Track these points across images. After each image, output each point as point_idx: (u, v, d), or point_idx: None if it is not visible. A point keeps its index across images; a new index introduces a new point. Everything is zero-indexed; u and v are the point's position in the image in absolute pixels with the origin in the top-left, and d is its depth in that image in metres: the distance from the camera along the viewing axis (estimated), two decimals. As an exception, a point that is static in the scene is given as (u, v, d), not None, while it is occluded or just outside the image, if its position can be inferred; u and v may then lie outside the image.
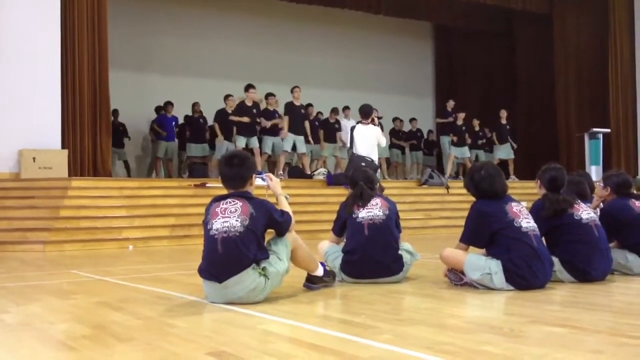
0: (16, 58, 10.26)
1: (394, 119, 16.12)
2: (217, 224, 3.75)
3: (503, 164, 14.60)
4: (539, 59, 17.78)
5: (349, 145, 10.21)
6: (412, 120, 16.71)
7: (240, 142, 11.87)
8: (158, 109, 14.06)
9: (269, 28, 16.70)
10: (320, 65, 17.29)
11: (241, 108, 11.98)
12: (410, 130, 16.63)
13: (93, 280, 5.31)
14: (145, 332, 3.14)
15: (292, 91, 12.62)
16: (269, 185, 4.24)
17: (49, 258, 7.38)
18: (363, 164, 8.75)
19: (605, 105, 16.33)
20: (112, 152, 13.71)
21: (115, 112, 13.71)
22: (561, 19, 17.02)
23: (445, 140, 14.78)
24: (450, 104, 14.95)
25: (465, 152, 14.67)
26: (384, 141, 9.93)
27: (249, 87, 12.08)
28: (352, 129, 9.93)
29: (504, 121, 15.13)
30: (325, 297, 4.15)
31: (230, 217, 3.76)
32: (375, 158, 9.59)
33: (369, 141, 9.53)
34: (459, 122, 14.58)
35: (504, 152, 15.16)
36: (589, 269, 4.42)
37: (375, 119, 10.02)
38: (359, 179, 4.84)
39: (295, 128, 12.48)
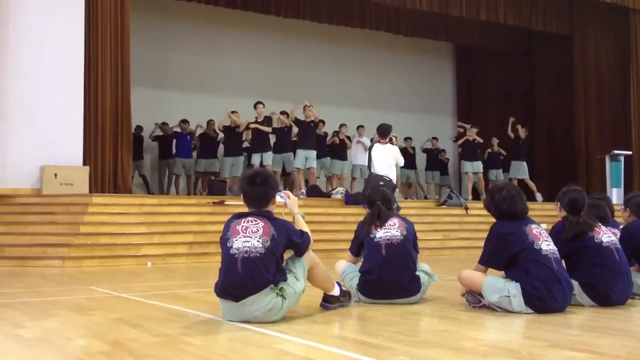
0: (39, 75, 10.41)
1: (405, 138, 16.07)
2: (238, 243, 3.74)
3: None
4: (558, 79, 17.69)
5: (366, 164, 10.20)
6: (433, 139, 16.67)
7: (255, 159, 11.96)
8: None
9: (288, 46, 16.81)
10: (340, 84, 17.34)
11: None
12: (431, 148, 16.60)
13: (111, 297, 5.33)
14: (161, 349, 3.14)
15: (303, 109, 12.76)
16: (286, 204, 4.24)
17: (68, 274, 7.43)
18: (381, 183, 8.73)
19: (627, 127, 16.18)
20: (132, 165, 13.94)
21: (139, 128, 13.96)
22: (581, 40, 16.94)
23: (463, 164, 14.74)
24: (472, 131, 14.87)
25: (478, 167, 14.58)
26: (402, 161, 9.90)
27: (257, 104, 12.33)
28: (370, 148, 9.93)
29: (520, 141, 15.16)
30: (341, 317, 4.13)
31: (252, 237, 3.74)
32: (394, 177, 9.57)
33: (386, 160, 9.51)
34: (470, 135, 14.52)
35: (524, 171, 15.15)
36: (609, 292, 4.36)
37: (394, 139, 10.01)
38: (376, 199, 4.83)
39: (306, 143, 12.55)
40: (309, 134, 12.67)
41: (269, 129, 12.34)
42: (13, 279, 6.80)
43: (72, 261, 8.28)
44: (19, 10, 10.39)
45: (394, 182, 9.55)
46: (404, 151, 15.39)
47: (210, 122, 13.91)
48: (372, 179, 9.42)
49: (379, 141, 9.74)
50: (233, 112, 12.76)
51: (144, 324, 3.84)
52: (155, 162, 14.76)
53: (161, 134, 14.30)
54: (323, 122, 13.78)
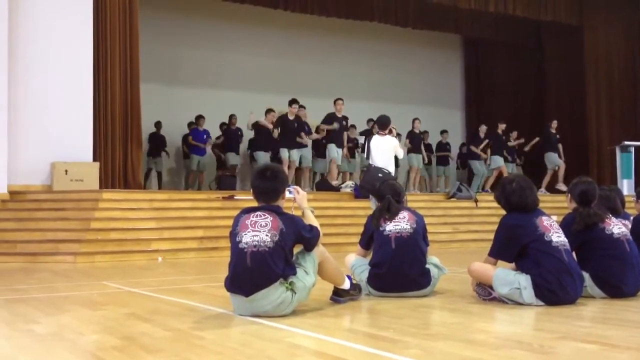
0: (49, 71, 10.44)
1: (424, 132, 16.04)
2: (247, 238, 3.75)
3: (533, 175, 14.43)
4: (568, 70, 17.58)
5: (365, 156, 10.12)
6: (442, 132, 16.66)
7: (284, 154, 12.02)
8: (190, 124, 14.29)
9: (297, 41, 16.81)
10: (349, 77, 17.32)
11: (284, 122, 12.15)
12: (440, 142, 16.58)
13: (122, 292, 5.36)
14: (173, 343, 3.16)
15: (334, 103, 12.72)
16: (295, 198, 4.25)
17: (80, 269, 7.48)
18: (380, 175, 8.63)
19: (638, 118, 16.11)
20: (149, 162, 14.05)
21: (159, 124, 14.05)
22: (591, 30, 16.83)
23: (475, 164, 14.66)
24: (483, 129, 14.84)
25: (499, 162, 14.53)
26: (401, 153, 9.72)
27: (292, 102, 12.25)
28: (369, 139, 9.81)
29: (553, 130, 14.89)
30: (352, 310, 4.14)
31: (261, 232, 3.75)
32: (392, 170, 9.41)
33: (386, 153, 9.36)
34: (499, 131, 14.48)
35: (556, 160, 14.84)
36: (620, 284, 4.35)
37: (394, 130, 9.88)
38: (386, 192, 4.83)
39: (337, 140, 12.59)
40: (340, 130, 12.71)
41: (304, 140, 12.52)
42: (25, 274, 6.85)
43: (83, 257, 8.33)
44: (28, 7, 10.41)
45: (393, 174, 9.39)
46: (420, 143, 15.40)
47: (231, 117, 14.02)
48: (370, 171, 9.30)
49: (378, 133, 9.60)
50: (270, 110, 12.79)
51: (155, 318, 3.86)
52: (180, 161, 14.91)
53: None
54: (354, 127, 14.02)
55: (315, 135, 12.95)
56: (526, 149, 15.42)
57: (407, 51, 18.47)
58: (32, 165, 10.25)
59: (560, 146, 14.89)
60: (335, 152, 12.66)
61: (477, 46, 19.80)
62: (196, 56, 15.58)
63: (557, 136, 14.95)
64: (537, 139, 15.18)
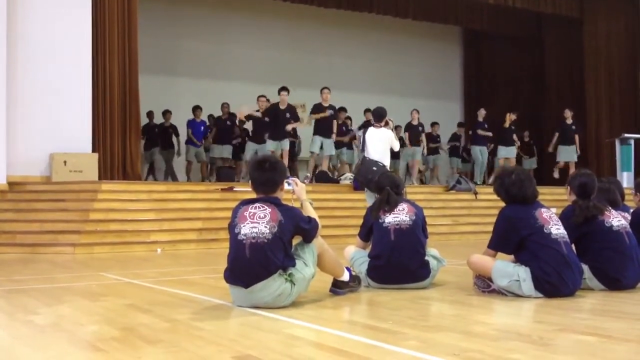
0: (48, 62, 10.40)
1: (432, 124, 15.98)
2: (246, 229, 3.75)
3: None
4: (568, 63, 17.55)
5: (361, 148, 10.07)
6: (459, 125, 16.64)
7: (270, 145, 11.77)
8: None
9: (296, 32, 16.78)
10: (348, 69, 17.30)
11: (276, 112, 11.89)
12: (455, 133, 16.59)
13: (122, 283, 5.37)
14: (172, 334, 3.17)
15: (321, 92, 12.56)
16: (294, 190, 4.24)
17: (79, 260, 7.48)
18: (374, 168, 8.60)
19: (637, 110, 16.08)
20: (160, 154, 14.01)
21: (151, 114, 13.95)
22: (592, 23, 16.78)
23: (476, 149, 14.57)
24: (482, 113, 14.71)
25: (510, 153, 14.34)
26: (397, 145, 9.65)
27: (283, 89, 11.97)
28: (364, 131, 9.75)
29: (569, 121, 14.46)
30: (351, 302, 4.15)
31: (259, 223, 3.75)
32: (387, 163, 9.33)
33: (380, 145, 9.28)
34: (507, 124, 14.23)
35: (567, 154, 14.46)
36: (619, 276, 4.36)
37: (390, 122, 9.82)
38: (385, 184, 4.83)
39: (323, 130, 12.47)
40: (326, 120, 12.45)
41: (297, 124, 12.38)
42: (24, 265, 6.86)
43: (82, 248, 8.33)
44: (27, -2, 10.39)
45: (387, 167, 9.33)
46: (429, 136, 15.35)
47: (223, 106, 13.91)
48: (365, 164, 9.24)
49: (373, 125, 9.53)
50: (262, 96, 12.71)
51: (154, 309, 3.86)
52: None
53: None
54: (344, 110, 13.78)
55: (297, 124, 12.47)
56: (550, 149, 14.84)
57: (406, 43, 18.42)
58: (31, 156, 10.23)
59: (577, 137, 14.42)
60: (317, 145, 12.32)
61: (477, 38, 19.75)
62: (195, 47, 15.54)
63: (573, 127, 14.46)
64: (557, 134, 14.68)
